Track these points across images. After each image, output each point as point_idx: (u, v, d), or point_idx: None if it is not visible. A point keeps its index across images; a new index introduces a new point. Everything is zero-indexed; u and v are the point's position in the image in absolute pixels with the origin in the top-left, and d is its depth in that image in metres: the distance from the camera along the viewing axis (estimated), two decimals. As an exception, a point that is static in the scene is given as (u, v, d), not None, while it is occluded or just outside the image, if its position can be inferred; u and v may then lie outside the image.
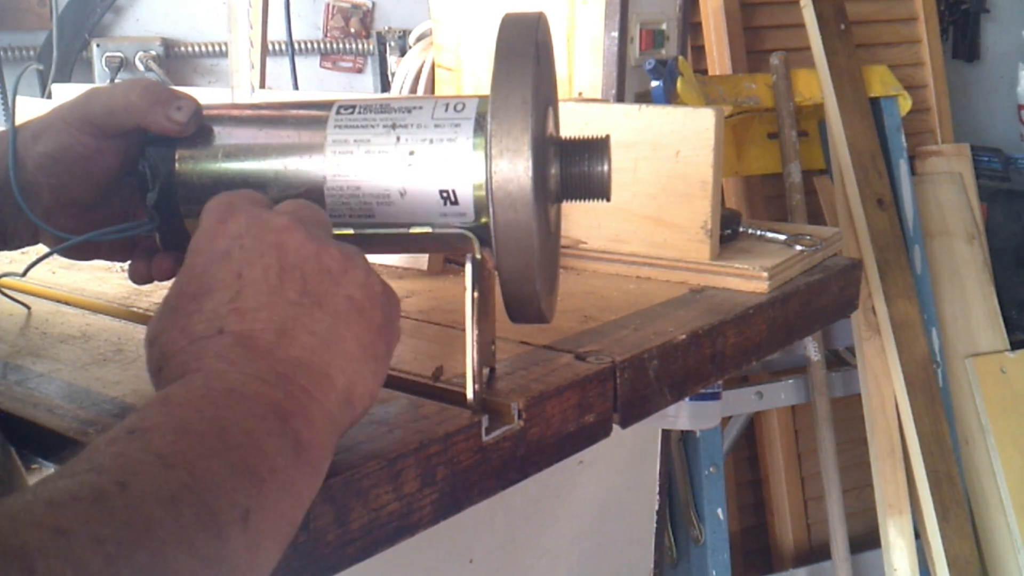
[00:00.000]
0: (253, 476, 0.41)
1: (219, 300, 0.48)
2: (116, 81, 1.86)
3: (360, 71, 2.29)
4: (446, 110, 0.57)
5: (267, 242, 0.49)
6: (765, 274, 0.84)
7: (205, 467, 0.39)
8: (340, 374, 0.48)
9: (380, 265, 0.94)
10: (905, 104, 1.95)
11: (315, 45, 2.21)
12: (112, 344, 0.72)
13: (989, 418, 1.95)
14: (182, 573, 0.36)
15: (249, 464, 0.41)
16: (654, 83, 1.47)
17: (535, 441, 0.61)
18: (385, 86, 2.21)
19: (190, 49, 2.09)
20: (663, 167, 0.88)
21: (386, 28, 2.26)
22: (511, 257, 0.54)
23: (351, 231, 0.58)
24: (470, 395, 0.57)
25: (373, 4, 2.26)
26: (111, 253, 0.67)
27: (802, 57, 1.90)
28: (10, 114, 1.48)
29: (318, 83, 2.23)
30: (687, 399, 1.11)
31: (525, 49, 0.55)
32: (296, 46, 2.10)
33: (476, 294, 0.56)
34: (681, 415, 1.16)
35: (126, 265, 0.67)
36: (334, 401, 0.47)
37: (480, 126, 0.56)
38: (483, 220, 0.56)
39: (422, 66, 1.75)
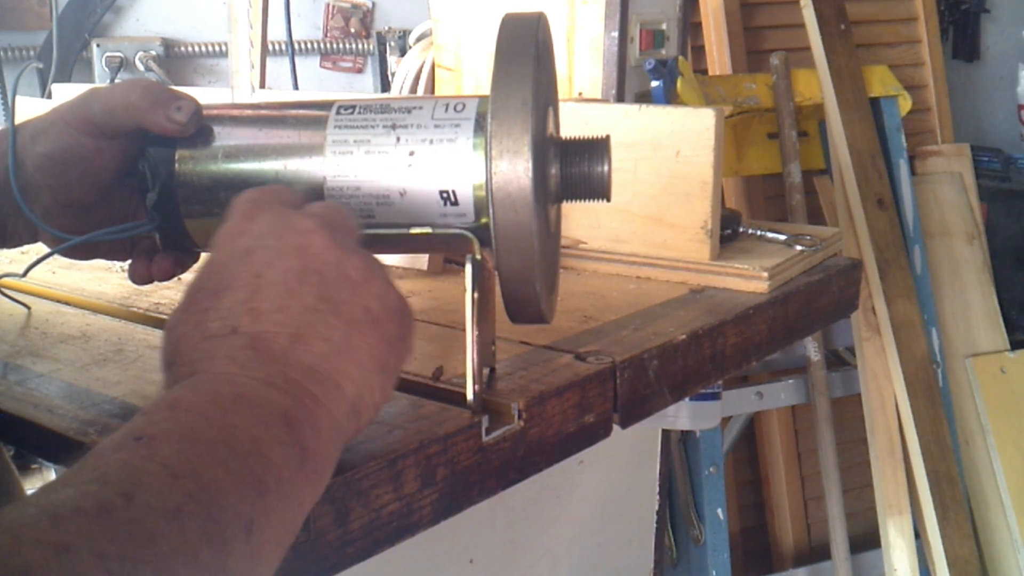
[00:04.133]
0: (259, 486, 0.40)
1: (236, 299, 0.47)
2: (116, 81, 1.86)
3: (360, 71, 2.29)
4: (446, 110, 0.57)
5: (290, 244, 0.49)
6: (765, 274, 0.84)
7: (211, 477, 0.39)
8: (350, 383, 0.47)
9: (380, 265, 0.94)
10: (905, 104, 1.95)
11: (315, 45, 2.21)
12: (112, 344, 0.72)
13: (989, 418, 1.95)
14: None
15: (255, 474, 0.41)
16: (654, 83, 1.47)
17: (535, 441, 0.61)
18: (385, 86, 2.21)
19: (190, 49, 2.09)
20: (663, 167, 0.88)
21: (386, 28, 2.26)
22: (511, 257, 0.54)
23: (351, 231, 0.58)
24: (470, 395, 0.57)
25: (373, 4, 2.26)
26: (111, 253, 0.67)
27: (802, 57, 1.90)
28: (10, 114, 1.48)
29: (318, 83, 2.23)
30: (687, 399, 1.11)
31: (525, 49, 0.55)
32: (296, 46, 2.10)
33: (476, 294, 0.56)
34: (681, 415, 1.16)
35: (126, 265, 0.67)
36: (342, 410, 0.47)
37: (480, 126, 0.56)
38: (483, 220, 0.56)
39: (422, 66, 1.75)
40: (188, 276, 0.84)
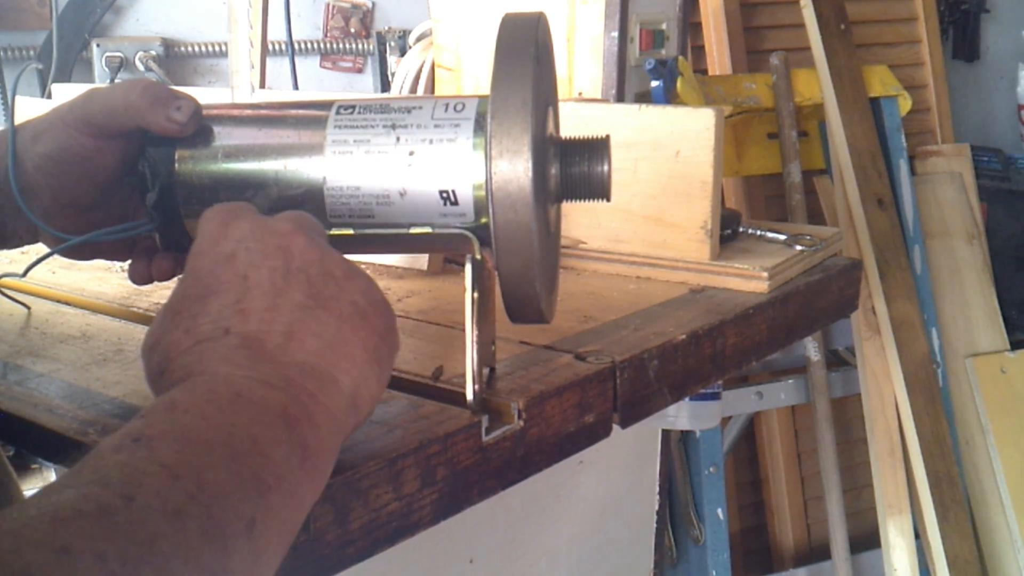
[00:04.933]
0: (259, 485, 0.40)
1: (225, 301, 0.48)
2: (116, 81, 1.86)
3: (360, 71, 2.29)
4: (446, 110, 0.57)
5: (272, 245, 0.49)
6: (765, 274, 0.84)
7: (211, 477, 0.39)
8: (346, 377, 0.48)
9: (380, 265, 0.94)
10: (905, 104, 1.95)
11: (315, 45, 2.21)
12: (112, 344, 0.72)
13: (989, 418, 1.95)
14: None
15: (255, 473, 0.41)
16: (654, 83, 1.47)
17: (535, 441, 0.61)
18: (385, 86, 2.21)
19: (190, 49, 2.09)
20: (663, 167, 0.88)
21: (386, 28, 2.26)
22: (511, 257, 0.54)
23: (351, 231, 0.58)
24: (470, 395, 0.57)
25: (373, 4, 2.26)
26: (111, 253, 0.67)
27: (802, 57, 1.91)
28: (10, 114, 1.48)
29: (318, 83, 2.23)
30: (687, 399, 1.11)
31: (525, 49, 0.55)
32: (296, 46, 2.10)
33: (476, 294, 0.56)
34: (681, 415, 1.16)
35: (126, 265, 0.67)
36: (339, 405, 0.47)
37: (480, 126, 0.56)
38: (483, 220, 0.56)
39: (422, 66, 1.75)
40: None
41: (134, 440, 0.39)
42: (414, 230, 0.57)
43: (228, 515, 0.38)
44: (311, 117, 0.59)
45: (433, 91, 1.58)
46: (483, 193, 0.56)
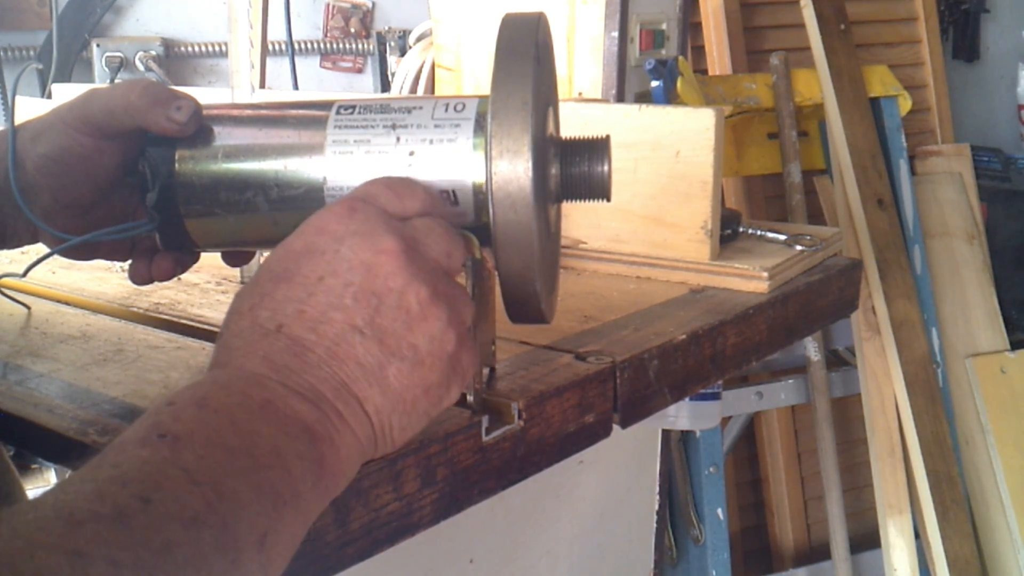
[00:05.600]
0: (276, 499, 0.40)
1: (292, 293, 0.47)
2: (116, 81, 1.86)
3: (360, 71, 2.28)
4: (446, 110, 0.57)
5: (361, 259, 0.48)
6: (765, 274, 0.84)
7: (231, 487, 0.39)
8: (375, 413, 0.47)
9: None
10: (905, 104, 1.95)
11: (315, 45, 2.21)
12: (112, 344, 0.72)
13: (989, 418, 1.95)
14: None
15: (274, 486, 0.40)
16: (654, 83, 1.47)
17: (535, 441, 0.61)
18: (385, 86, 2.21)
19: (190, 49, 2.09)
20: (663, 167, 0.88)
21: (386, 28, 2.26)
22: (511, 257, 0.54)
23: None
24: (470, 395, 0.57)
25: (373, 4, 2.26)
26: (111, 253, 0.67)
27: (802, 57, 1.90)
28: (10, 114, 1.48)
29: (318, 83, 2.23)
30: (687, 399, 1.11)
31: (525, 49, 0.55)
32: (296, 46, 2.10)
33: (476, 294, 0.56)
34: (681, 415, 1.16)
35: (126, 265, 0.67)
36: (364, 434, 0.47)
37: (480, 126, 0.56)
38: (483, 220, 0.56)
39: (422, 66, 1.75)
40: (188, 276, 0.85)
41: (159, 435, 0.39)
42: (414, 230, 0.57)
43: (243, 527, 0.38)
44: (311, 117, 0.59)
45: (433, 91, 1.58)
46: (483, 193, 0.56)
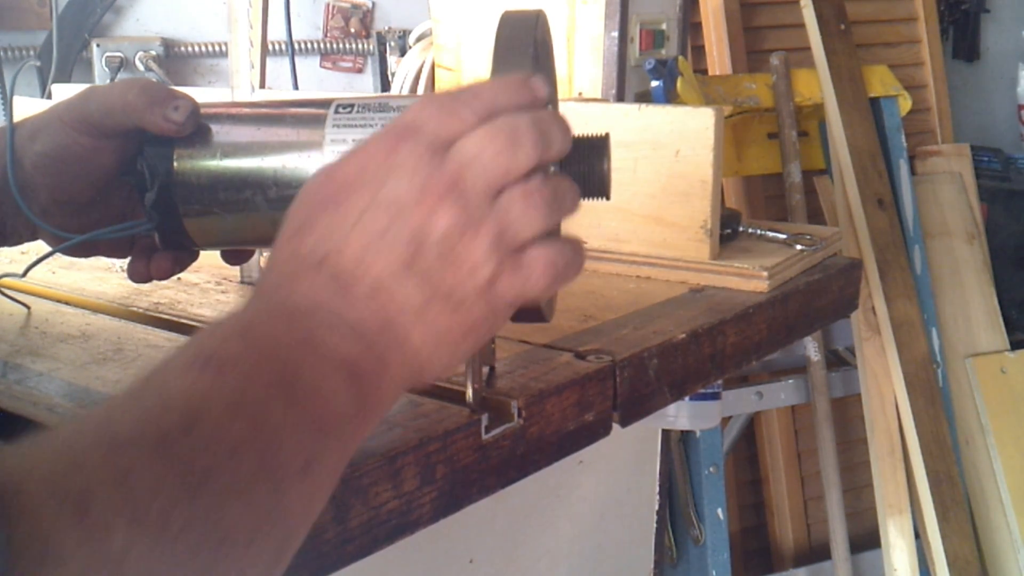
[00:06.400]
0: (317, 428, 0.41)
1: (337, 221, 0.46)
2: (115, 81, 1.86)
3: (360, 71, 2.28)
4: (445, 109, 0.57)
5: (404, 197, 0.46)
6: (765, 273, 0.84)
7: (273, 416, 0.39)
8: (413, 351, 0.46)
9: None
10: (905, 104, 1.95)
11: (315, 45, 2.21)
12: (112, 344, 0.71)
13: (989, 418, 1.95)
14: (238, 526, 0.36)
15: (316, 416, 0.41)
16: (654, 83, 1.47)
17: (534, 440, 0.61)
18: (385, 86, 2.21)
19: (190, 49, 2.09)
20: (663, 167, 0.88)
21: (386, 28, 2.26)
22: (510, 256, 0.54)
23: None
24: (470, 393, 0.57)
25: (373, 4, 2.26)
26: (110, 251, 0.67)
27: (802, 57, 1.90)
28: (9, 114, 1.48)
29: (318, 83, 2.23)
30: (687, 399, 1.11)
31: (524, 48, 0.55)
32: (296, 46, 2.10)
33: None
34: (681, 415, 1.16)
35: (126, 264, 0.67)
36: (403, 369, 0.46)
37: (479, 125, 0.56)
38: (482, 219, 0.56)
39: (422, 66, 1.75)
40: (188, 275, 0.85)
41: (205, 361, 0.40)
42: (413, 229, 0.57)
43: (284, 454, 0.39)
44: (310, 115, 0.59)
45: (433, 91, 1.58)
46: (482, 192, 0.55)
